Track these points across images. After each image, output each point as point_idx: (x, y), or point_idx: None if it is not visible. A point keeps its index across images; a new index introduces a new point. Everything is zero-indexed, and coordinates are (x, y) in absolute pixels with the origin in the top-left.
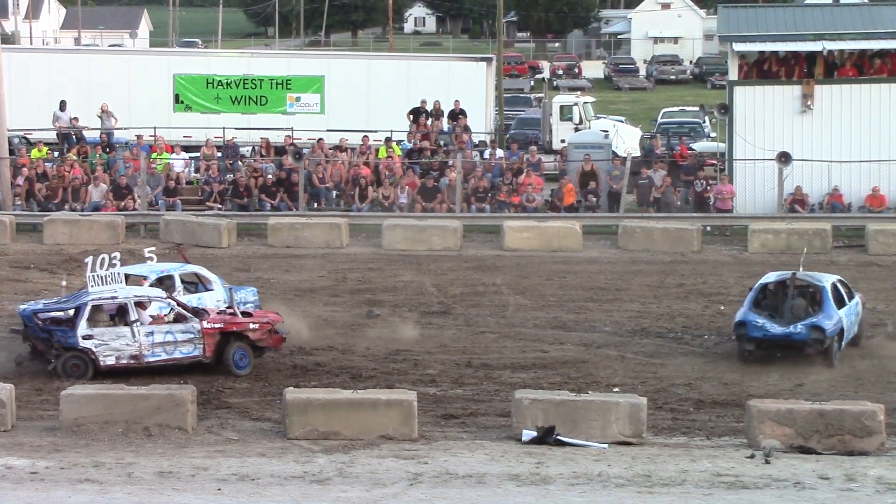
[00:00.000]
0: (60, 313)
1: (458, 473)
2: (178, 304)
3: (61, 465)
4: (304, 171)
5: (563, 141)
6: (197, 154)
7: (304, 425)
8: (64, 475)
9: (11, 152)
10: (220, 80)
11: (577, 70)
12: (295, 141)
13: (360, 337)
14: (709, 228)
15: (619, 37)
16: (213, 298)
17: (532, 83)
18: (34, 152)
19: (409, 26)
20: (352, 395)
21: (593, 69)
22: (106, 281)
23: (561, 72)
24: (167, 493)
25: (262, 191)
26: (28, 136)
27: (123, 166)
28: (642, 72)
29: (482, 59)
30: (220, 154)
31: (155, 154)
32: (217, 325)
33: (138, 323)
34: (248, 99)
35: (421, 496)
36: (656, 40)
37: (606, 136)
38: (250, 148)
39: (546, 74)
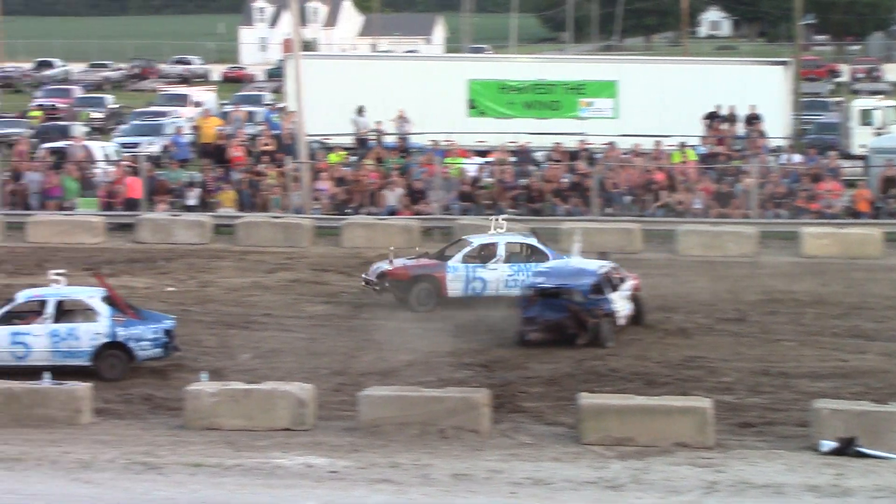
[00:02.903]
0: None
1: (755, 483)
2: None
3: (360, 464)
4: (598, 176)
5: (863, 146)
6: (491, 159)
7: (598, 430)
8: (362, 475)
9: (311, 157)
10: (513, 86)
11: (877, 73)
12: (588, 146)
13: (655, 344)
14: None
15: None
16: (92, 331)
17: (831, 87)
18: (332, 157)
19: (703, 30)
20: (646, 402)
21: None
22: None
23: (861, 75)
24: (462, 496)
25: (555, 195)
26: (326, 141)
27: (418, 171)
28: None
29: (778, 63)
30: (513, 159)
31: (449, 159)
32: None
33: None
34: (541, 104)
35: None
36: None
37: None
38: (543, 153)
39: (845, 78)
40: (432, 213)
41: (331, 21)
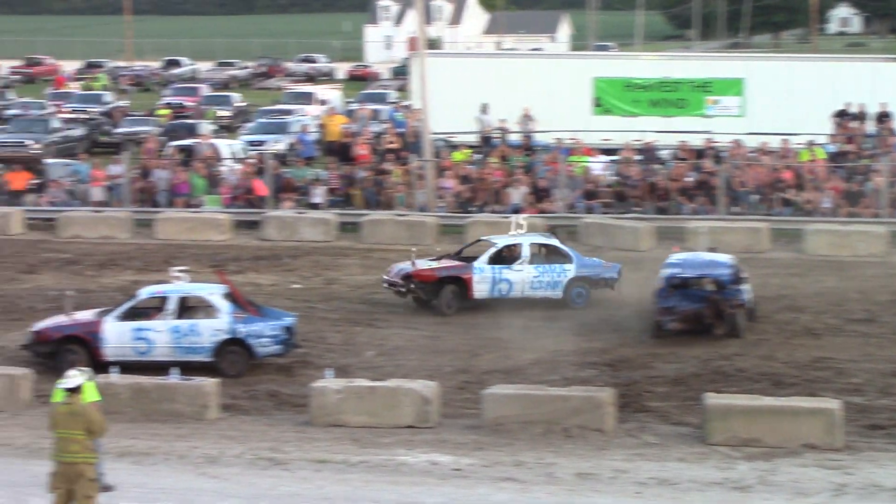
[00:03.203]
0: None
1: (886, 486)
2: None
3: (483, 462)
4: (724, 175)
5: None
6: (616, 157)
7: (724, 431)
8: (486, 473)
9: (436, 155)
10: (638, 84)
11: None
12: (714, 144)
13: (783, 344)
14: None
15: None
16: (212, 327)
17: None
18: (456, 155)
19: (833, 27)
20: (774, 402)
21: None
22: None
23: None
24: (587, 495)
25: (680, 193)
26: (451, 138)
27: (543, 169)
28: None
29: None
30: (638, 157)
31: (574, 157)
32: None
33: None
34: (667, 102)
35: None
36: None
37: None
38: (669, 151)
39: None
40: (556, 212)
41: (456, 19)
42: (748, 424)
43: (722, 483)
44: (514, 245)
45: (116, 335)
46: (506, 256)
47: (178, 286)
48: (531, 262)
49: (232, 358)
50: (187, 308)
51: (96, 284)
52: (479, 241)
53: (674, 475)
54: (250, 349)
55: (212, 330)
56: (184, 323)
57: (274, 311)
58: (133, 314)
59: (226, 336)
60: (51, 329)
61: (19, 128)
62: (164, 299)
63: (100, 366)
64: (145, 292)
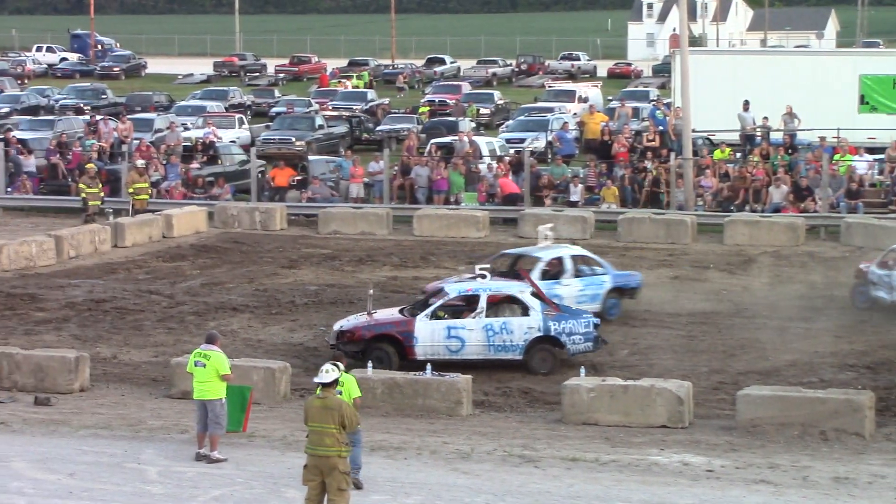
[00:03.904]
0: None
1: None
2: None
3: (737, 464)
4: None
5: None
6: (881, 156)
7: None
8: (739, 475)
9: (695, 153)
10: None
11: None
12: None
13: None
14: None
15: None
16: (524, 325)
17: None
18: (717, 153)
19: None
20: None
21: None
22: None
23: None
24: (843, 500)
25: None
26: (711, 136)
27: (805, 168)
28: None
29: None
30: None
31: (838, 156)
32: None
33: None
34: None
35: None
36: None
37: None
38: None
39: None
40: (818, 211)
41: (720, 16)
42: None
43: None
44: (556, 259)
45: (429, 334)
46: (548, 270)
47: (487, 284)
48: (574, 276)
49: (542, 356)
50: (492, 306)
51: (354, 280)
52: (503, 254)
53: None
54: (563, 346)
55: (524, 328)
56: (496, 321)
57: (572, 310)
58: (436, 313)
59: (538, 334)
60: (362, 328)
61: (284, 125)
62: (472, 298)
63: (410, 365)
64: (454, 290)
